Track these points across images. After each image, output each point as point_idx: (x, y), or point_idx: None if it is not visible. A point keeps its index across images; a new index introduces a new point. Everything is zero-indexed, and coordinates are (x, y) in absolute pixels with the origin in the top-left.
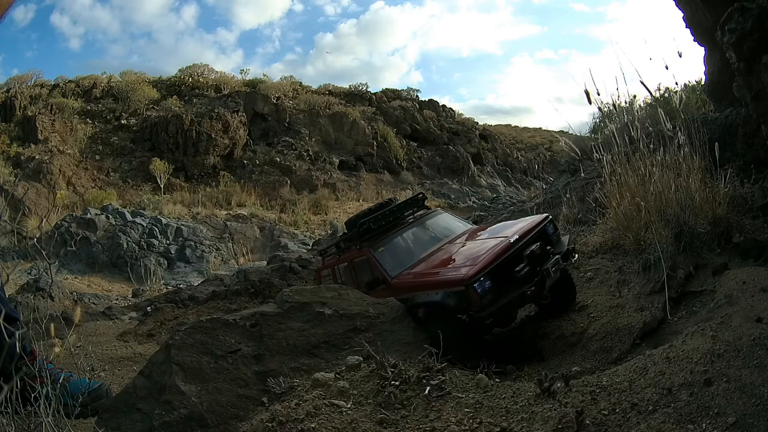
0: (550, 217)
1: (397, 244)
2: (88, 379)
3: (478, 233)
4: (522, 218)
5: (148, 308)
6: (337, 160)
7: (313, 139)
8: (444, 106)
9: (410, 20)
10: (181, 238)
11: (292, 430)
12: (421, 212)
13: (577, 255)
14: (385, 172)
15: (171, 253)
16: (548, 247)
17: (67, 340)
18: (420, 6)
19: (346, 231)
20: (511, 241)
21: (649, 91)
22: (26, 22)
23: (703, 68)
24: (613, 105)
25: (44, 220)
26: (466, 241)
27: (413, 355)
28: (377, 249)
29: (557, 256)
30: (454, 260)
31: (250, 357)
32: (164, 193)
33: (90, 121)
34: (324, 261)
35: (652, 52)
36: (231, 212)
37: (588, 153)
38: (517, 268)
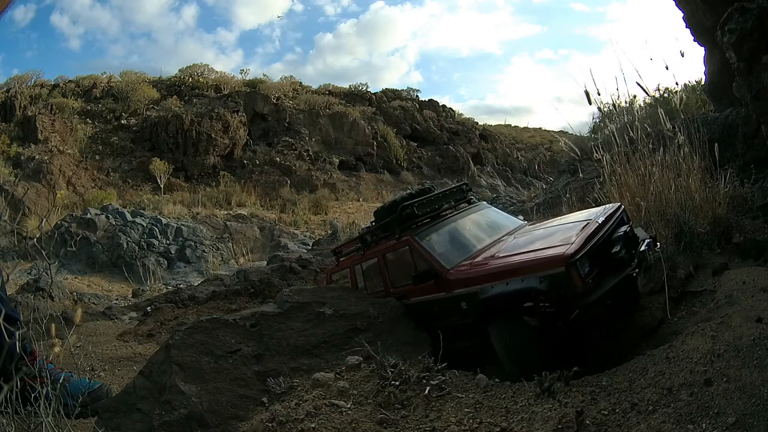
0: (623, 206)
1: (449, 232)
2: (88, 379)
3: (543, 224)
4: (585, 209)
5: (148, 308)
6: (337, 160)
7: (313, 139)
8: (444, 106)
9: (410, 20)
10: (181, 238)
11: (292, 430)
12: (465, 204)
13: (659, 243)
14: (385, 172)
15: (171, 253)
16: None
17: (67, 340)
18: (420, 6)
19: (374, 222)
20: (600, 221)
21: (646, 92)
22: (26, 22)
23: (703, 68)
24: (613, 105)
25: (44, 220)
26: (535, 230)
27: (413, 355)
28: (424, 237)
29: (648, 240)
30: (536, 244)
31: (250, 357)
32: (164, 193)
33: (90, 121)
34: (339, 261)
35: (653, 52)
36: (231, 212)
37: (588, 153)
38: (614, 250)
